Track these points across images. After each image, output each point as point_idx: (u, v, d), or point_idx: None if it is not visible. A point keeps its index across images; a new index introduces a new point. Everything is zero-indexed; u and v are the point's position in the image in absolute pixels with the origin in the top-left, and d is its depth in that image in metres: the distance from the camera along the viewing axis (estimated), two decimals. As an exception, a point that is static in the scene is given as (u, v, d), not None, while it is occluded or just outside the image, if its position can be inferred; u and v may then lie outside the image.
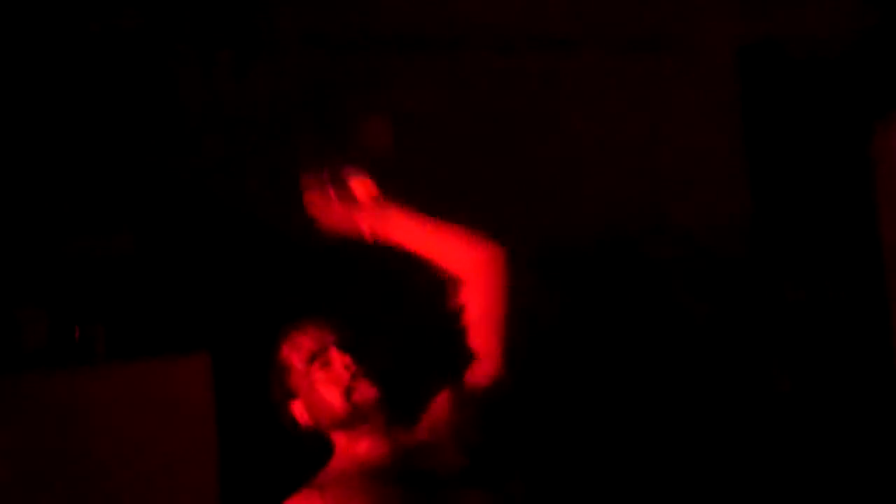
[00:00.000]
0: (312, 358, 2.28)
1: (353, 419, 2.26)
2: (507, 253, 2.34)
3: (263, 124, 3.47)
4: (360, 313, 2.37)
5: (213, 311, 3.28)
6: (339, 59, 3.54)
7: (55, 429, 2.85)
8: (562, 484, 3.32)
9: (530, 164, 3.65)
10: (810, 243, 3.76)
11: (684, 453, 3.56)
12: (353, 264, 3.44)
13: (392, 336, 2.36)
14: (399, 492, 2.17)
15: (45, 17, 3.27)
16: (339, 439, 2.31)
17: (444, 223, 2.40)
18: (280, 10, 3.49)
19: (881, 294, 3.76)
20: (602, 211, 3.66)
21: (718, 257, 3.72)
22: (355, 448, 2.29)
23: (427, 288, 2.34)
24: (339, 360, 2.26)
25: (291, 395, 2.32)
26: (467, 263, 2.35)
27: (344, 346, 2.26)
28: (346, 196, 2.44)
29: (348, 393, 2.24)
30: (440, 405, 2.30)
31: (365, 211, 2.44)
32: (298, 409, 2.32)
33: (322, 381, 2.27)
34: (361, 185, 2.45)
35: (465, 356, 2.33)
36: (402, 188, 3.51)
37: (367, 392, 2.24)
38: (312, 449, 2.37)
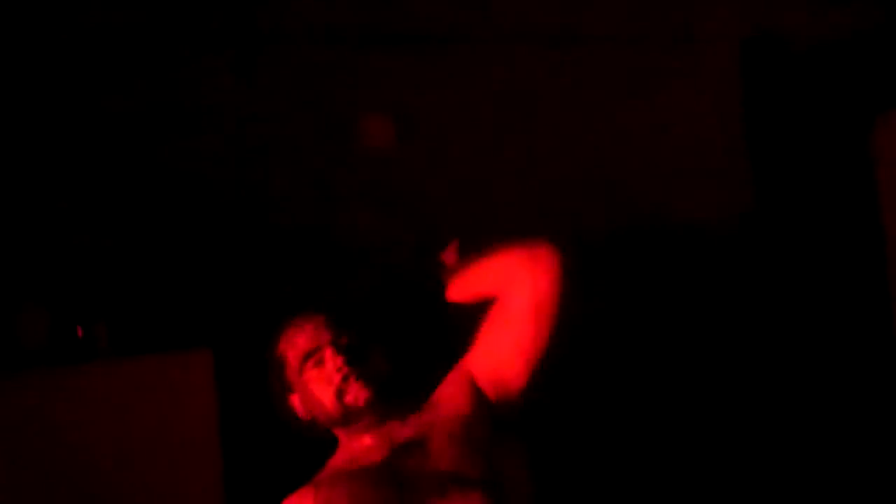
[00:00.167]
0: (307, 356, 2.28)
1: (347, 419, 2.26)
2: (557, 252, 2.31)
3: (265, 120, 3.47)
4: (360, 312, 2.37)
5: (216, 307, 3.28)
6: (342, 55, 3.53)
7: (58, 426, 2.85)
8: (571, 471, 3.33)
9: (533, 158, 3.64)
10: (812, 236, 3.76)
11: (685, 440, 3.56)
12: (359, 263, 3.45)
13: (393, 335, 2.36)
14: (392, 493, 2.17)
15: (43, 12, 3.26)
16: (341, 435, 2.32)
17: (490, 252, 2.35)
18: (283, 5, 3.49)
19: (884, 286, 3.76)
20: (605, 204, 3.65)
21: (719, 250, 3.72)
22: (355, 445, 2.29)
23: (435, 287, 2.34)
24: (332, 362, 2.25)
25: (289, 389, 2.32)
26: (516, 280, 2.30)
27: (339, 347, 2.27)
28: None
29: (339, 394, 2.24)
30: (449, 406, 2.29)
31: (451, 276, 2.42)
32: (297, 403, 2.32)
33: (315, 380, 2.27)
34: (451, 251, 2.45)
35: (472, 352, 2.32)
36: (408, 186, 3.53)
37: (359, 394, 2.23)
38: (315, 444, 2.38)
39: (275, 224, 3.43)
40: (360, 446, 2.28)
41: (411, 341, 2.56)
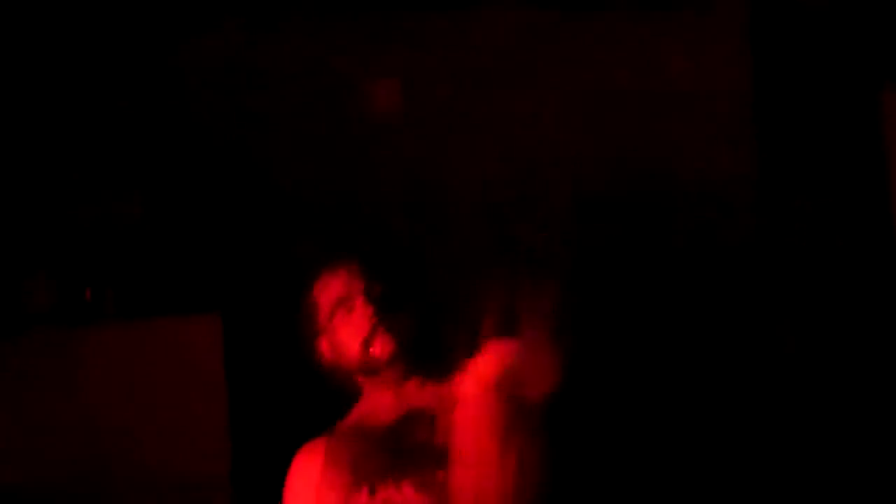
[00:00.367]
0: (338, 302, 2.29)
1: (369, 369, 2.28)
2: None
3: (271, 83, 3.46)
4: (399, 265, 2.37)
5: (223, 271, 3.29)
6: (349, 20, 3.52)
7: (65, 388, 2.87)
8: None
9: (538, 122, 3.63)
10: (819, 196, 3.75)
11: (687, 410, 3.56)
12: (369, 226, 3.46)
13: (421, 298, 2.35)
14: (393, 462, 2.17)
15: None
16: (364, 384, 2.33)
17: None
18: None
19: (892, 249, 3.74)
20: (611, 166, 3.64)
21: (727, 211, 3.71)
22: (374, 400, 2.31)
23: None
24: (363, 311, 2.26)
25: (318, 332, 2.33)
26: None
27: (371, 297, 2.27)
28: None
29: (366, 344, 2.26)
30: (469, 386, 2.26)
31: None
32: (325, 347, 2.34)
33: (343, 327, 2.28)
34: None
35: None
36: (416, 149, 3.53)
37: (385, 346, 2.25)
38: (321, 406, 2.39)
39: (282, 188, 3.43)
40: (378, 401, 2.30)
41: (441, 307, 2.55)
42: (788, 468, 3.53)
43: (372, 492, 2.15)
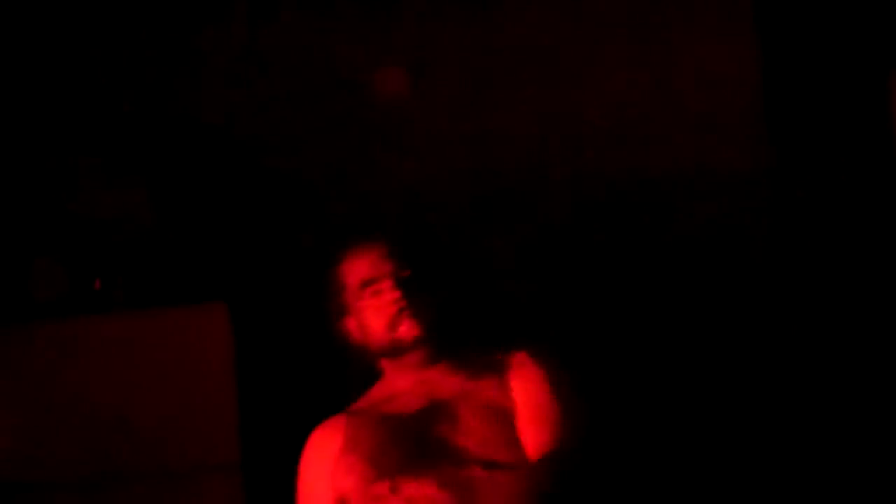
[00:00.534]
0: (366, 283, 2.30)
1: (394, 351, 2.28)
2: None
3: (280, 69, 3.46)
4: (429, 249, 2.38)
5: (231, 260, 3.30)
6: (355, 6, 3.52)
7: (74, 377, 2.88)
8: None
9: (550, 109, 3.63)
10: (828, 179, 3.74)
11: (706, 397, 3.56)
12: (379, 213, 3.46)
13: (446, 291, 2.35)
14: (412, 450, 2.17)
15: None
16: (387, 367, 2.34)
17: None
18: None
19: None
20: (621, 152, 3.64)
21: (734, 199, 3.70)
22: (396, 383, 2.32)
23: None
24: (390, 293, 2.28)
25: (345, 312, 2.34)
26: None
27: (399, 280, 2.28)
28: None
29: (391, 326, 2.27)
30: (491, 384, 2.26)
31: None
32: (351, 327, 2.34)
33: (370, 308, 2.30)
34: None
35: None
36: (425, 136, 3.53)
37: (410, 330, 2.26)
38: (330, 394, 2.40)
39: (292, 176, 3.43)
40: (400, 386, 2.31)
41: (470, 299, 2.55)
42: (796, 466, 3.53)
43: (394, 490, 2.15)
